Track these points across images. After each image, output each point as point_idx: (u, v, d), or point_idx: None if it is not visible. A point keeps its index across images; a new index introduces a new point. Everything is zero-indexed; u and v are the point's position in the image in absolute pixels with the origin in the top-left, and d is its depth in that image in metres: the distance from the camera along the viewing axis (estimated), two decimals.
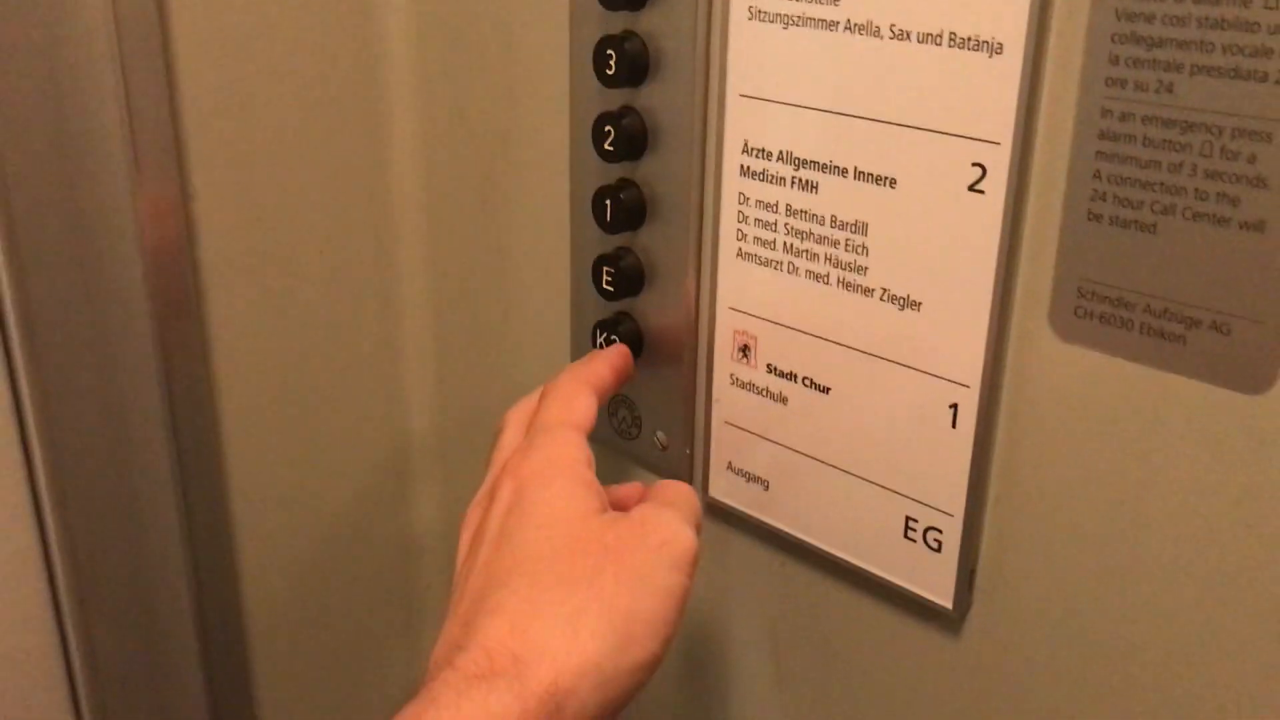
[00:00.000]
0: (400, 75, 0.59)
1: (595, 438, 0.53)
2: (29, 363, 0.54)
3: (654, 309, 0.51)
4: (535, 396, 0.46)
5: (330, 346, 0.62)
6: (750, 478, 0.49)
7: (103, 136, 0.51)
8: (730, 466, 0.50)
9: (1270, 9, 0.32)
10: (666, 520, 0.40)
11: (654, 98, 0.47)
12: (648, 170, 0.49)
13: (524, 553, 0.39)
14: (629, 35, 0.47)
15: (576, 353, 0.55)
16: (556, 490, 0.40)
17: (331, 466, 0.65)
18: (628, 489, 0.46)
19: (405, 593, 0.70)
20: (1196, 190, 0.34)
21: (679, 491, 0.43)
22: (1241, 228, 0.34)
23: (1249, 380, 0.35)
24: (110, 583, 0.59)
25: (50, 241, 0.52)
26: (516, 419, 0.46)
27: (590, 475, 0.42)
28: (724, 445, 0.50)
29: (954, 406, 0.41)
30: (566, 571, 0.38)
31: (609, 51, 0.47)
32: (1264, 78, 0.32)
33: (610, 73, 0.47)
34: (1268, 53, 0.32)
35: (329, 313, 0.61)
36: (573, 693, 0.35)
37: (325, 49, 0.57)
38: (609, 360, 0.48)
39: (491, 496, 0.42)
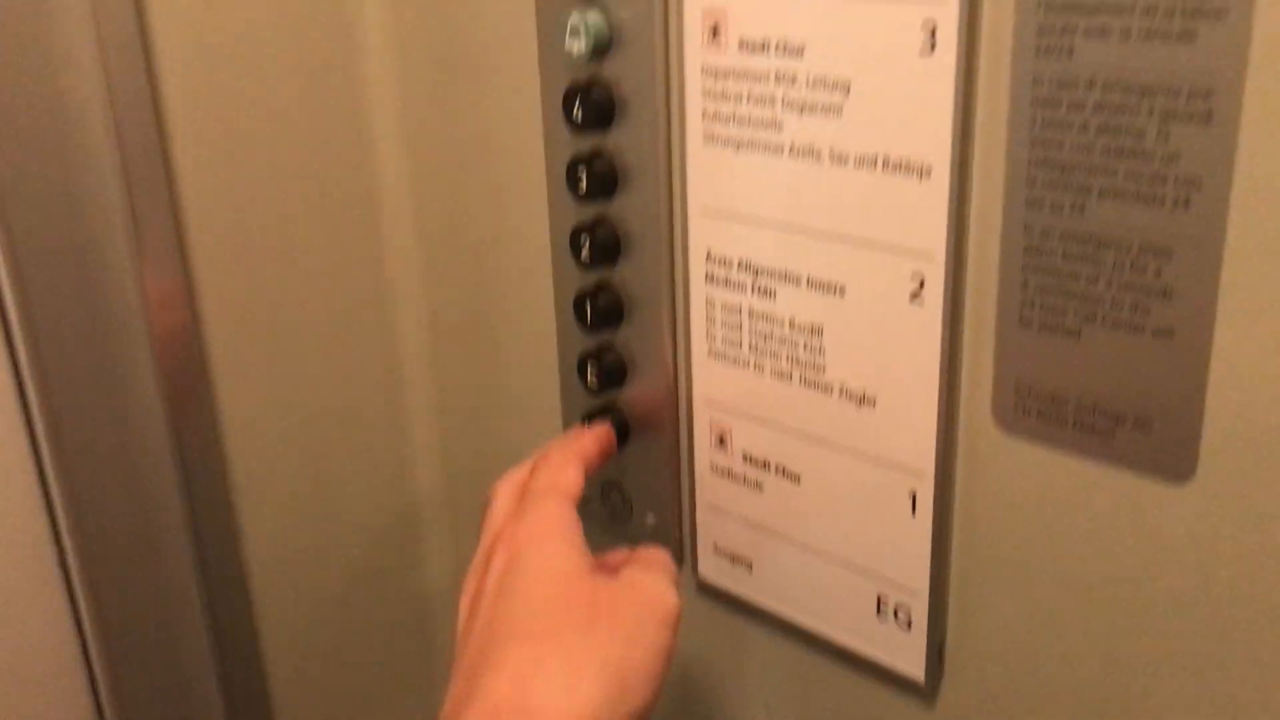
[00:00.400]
0: (396, 187, 0.62)
1: (590, 519, 0.56)
2: (53, 450, 0.58)
3: (637, 401, 0.54)
4: (524, 468, 0.49)
5: (338, 420, 0.65)
6: (735, 558, 0.52)
7: (110, 237, 0.55)
8: (716, 548, 0.53)
9: (1162, 140, 0.35)
10: (653, 581, 0.43)
11: (623, 209, 0.51)
12: (623, 274, 0.52)
13: (523, 610, 0.42)
14: (597, 154, 0.50)
15: None
16: (550, 551, 0.43)
17: (343, 530, 0.68)
18: (614, 556, 0.48)
19: (420, 648, 0.74)
20: (1113, 300, 0.37)
21: (660, 556, 0.46)
22: (1154, 334, 0.37)
23: (1172, 471, 0.38)
24: (138, 657, 0.62)
25: (68, 338, 0.56)
26: (506, 489, 0.49)
27: (580, 539, 0.44)
28: (709, 528, 0.53)
29: (913, 494, 0.44)
30: (564, 627, 0.41)
31: (579, 170, 0.50)
32: (1162, 202, 0.35)
33: (581, 190, 0.51)
34: (1163, 179, 0.35)
35: (335, 389, 0.65)
36: None
37: (323, 158, 0.61)
38: (595, 436, 0.51)
39: (488, 561, 0.44)
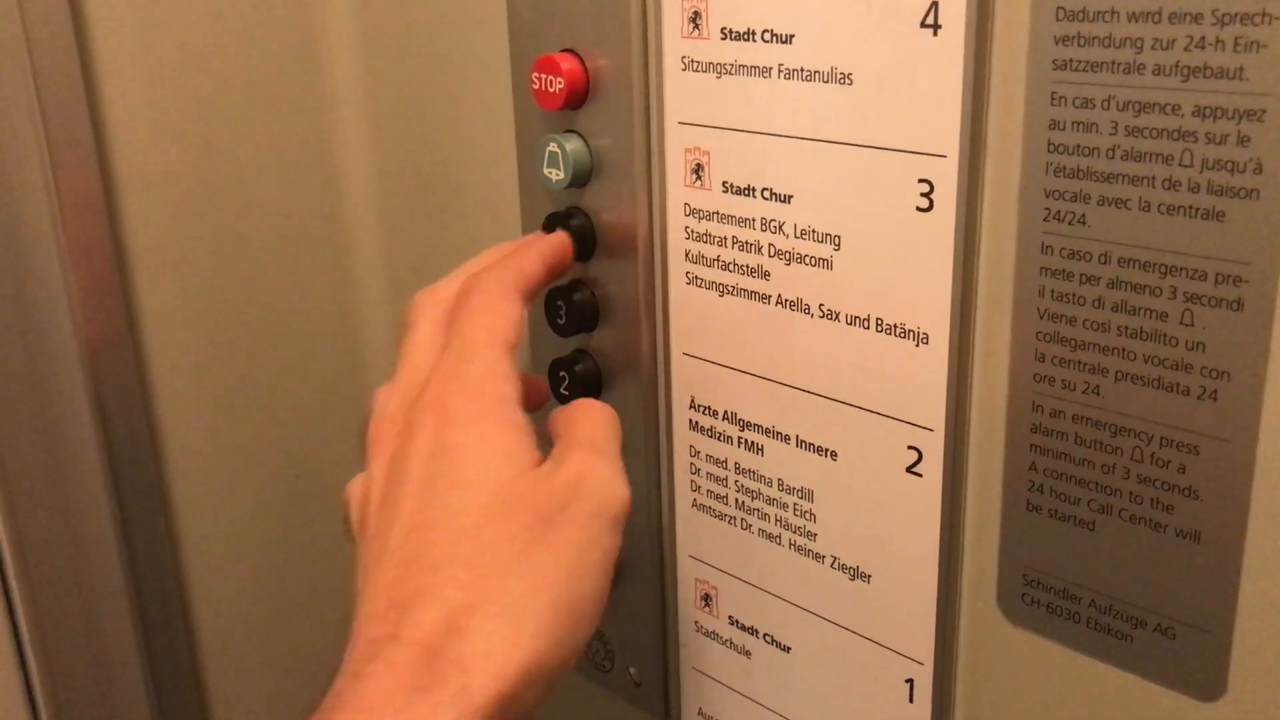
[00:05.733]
0: (373, 311, 0.59)
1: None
2: None
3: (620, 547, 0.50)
4: (452, 284, 0.41)
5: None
6: None
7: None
8: (701, 713, 0.49)
9: (1185, 325, 0.31)
10: (602, 476, 0.37)
11: (604, 344, 0.47)
12: None
13: (456, 522, 0.35)
14: (578, 286, 0.47)
15: None
16: (488, 438, 0.36)
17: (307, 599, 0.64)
18: (551, 423, 0.40)
19: None
20: (1131, 494, 0.33)
21: (602, 424, 0.38)
22: (1178, 535, 0.33)
23: (1198, 687, 0.33)
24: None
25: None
26: (431, 313, 0.40)
27: (519, 414, 0.37)
28: (693, 692, 0.49)
29: (910, 681, 0.40)
30: (504, 551, 0.35)
31: (559, 302, 0.47)
32: (1186, 392, 0.31)
33: (561, 321, 0.47)
34: (1187, 368, 0.31)
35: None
36: (515, 697, 0.33)
37: (300, 274, 0.58)
38: (541, 253, 0.42)
39: (409, 425, 0.37)
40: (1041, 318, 0.34)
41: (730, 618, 0.46)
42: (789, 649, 0.44)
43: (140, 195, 0.52)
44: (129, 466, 0.55)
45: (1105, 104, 0.31)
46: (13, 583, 0.56)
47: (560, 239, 0.44)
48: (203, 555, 0.59)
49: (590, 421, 0.38)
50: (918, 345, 0.36)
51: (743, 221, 0.40)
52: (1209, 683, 0.33)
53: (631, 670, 0.52)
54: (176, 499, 0.57)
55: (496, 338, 0.38)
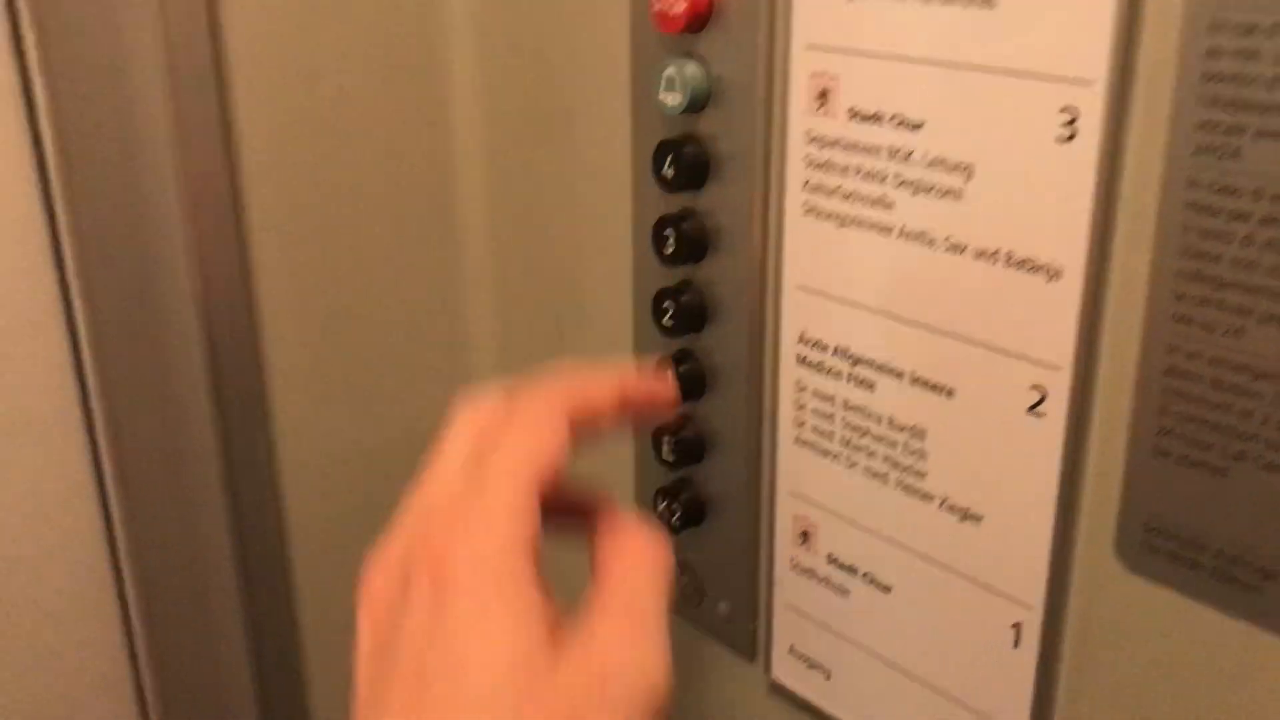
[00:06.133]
0: (475, 237, 0.59)
1: None
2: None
3: (715, 480, 0.50)
4: (498, 399, 0.35)
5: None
6: (812, 664, 0.48)
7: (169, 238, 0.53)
8: (793, 650, 0.48)
9: None
10: (637, 659, 0.31)
11: (712, 276, 0.47)
12: (707, 345, 0.48)
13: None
14: (688, 215, 0.46)
15: None
16: (492, 615, 0.30)
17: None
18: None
19: None
20: (1269, 440, 0.32)
21: (648, 579, 0.32)
22: None
23: None
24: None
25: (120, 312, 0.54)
26: (466, 431, 0.34)
27: (532, 576, 0.31)
28: (786, 628, 0.48)
29: (1016, 626, 0.39)
30: None
31: (667, 231, 0.47)
32: None
33: (669, 251, 0.47)
34: None
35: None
36: None
37: (403, 203, 0.58)
38: (621, 388, 0.36)
39: (403, 585, 0.32)
40: (1184, 256, 0.33)
41: (829, 555, 0.45)
42: (889, 589, 0.43)
43: (253, 117, 0.52)
44: (235, 405, 0.57)
45: (1272, 30, 0.29)
46: (119, 535, 0.58)
47: (658, 385, 0.37)
48: (303, 504, 0.60)
49: (636, 576, 0.32)
50: (1049, 281, 0.35)
51: (868, 149, 0.39)
52: None
53: (721, 606, 0.51)
54: (278, 431, 0.58)
55: (525, 472, 0.32)
